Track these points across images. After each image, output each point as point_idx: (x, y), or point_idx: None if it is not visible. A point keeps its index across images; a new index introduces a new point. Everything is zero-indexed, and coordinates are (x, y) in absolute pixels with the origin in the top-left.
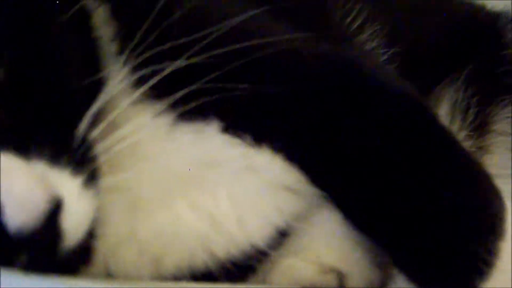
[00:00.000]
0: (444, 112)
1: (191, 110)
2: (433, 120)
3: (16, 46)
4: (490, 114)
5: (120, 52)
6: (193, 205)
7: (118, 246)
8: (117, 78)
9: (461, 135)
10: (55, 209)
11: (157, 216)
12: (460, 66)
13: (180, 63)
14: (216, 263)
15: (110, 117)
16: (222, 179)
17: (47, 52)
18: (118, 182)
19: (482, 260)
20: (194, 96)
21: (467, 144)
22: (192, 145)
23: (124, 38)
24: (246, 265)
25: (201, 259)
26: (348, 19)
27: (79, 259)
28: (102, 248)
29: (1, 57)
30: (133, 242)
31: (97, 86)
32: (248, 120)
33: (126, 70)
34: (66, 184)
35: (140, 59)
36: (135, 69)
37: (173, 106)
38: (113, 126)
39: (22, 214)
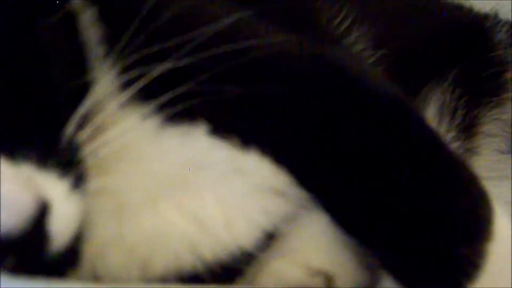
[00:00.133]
0: (431, 113)
1: (178, 113)
2: (420, 122)
3: (1, 49)
4: (478, 115)
5: (108, 54)
6: (181, 207)
7: (106, 248)
8: (105, 81)
9: (448, 136)
10: (42, 212)
11: (144, 218)
12: (448, 68)
13: (167, 65)
14: (204, 265)
15: (98, 120)
16: (210, 181)
17: (34, 55)
18: (105, 185)
19: (470, 262)
20: (181, 98)
21: (454, 146)
22: (179, 148)
23: (111, 40)
24: (234, 267)
25: (188, 262)
26: (336, 21)
27: (67, 262)
28: (89, 251)
29: None
30: (120, 245)
31: (84, 89)
32: (235, 123)
33: (113, 72)
34: (53, 187)
35: (127, 62)
36: (122, 71)
37: (161, 108)
38: (101, 129)
39: (9, 217)
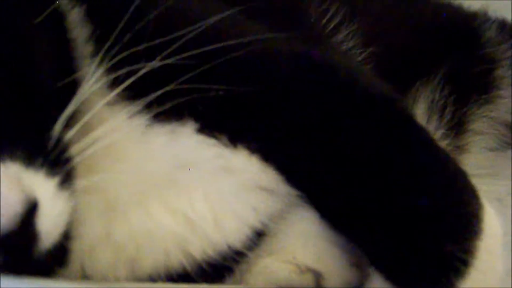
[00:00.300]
0: (421, 111)
1: (166, 111)
2: (410, 119)
3: None
4: (467, 113)
5: (95, 53)
6: (169, 206)
7: (94, 247)
8: (92, 79)
9: (438, 134)
10: (30, 210)
11: (132, 217)
12: (437, 65)
13: (155, 64)
14: (193, 264)
15: (85, 118)
16: (198, 179)
17: (21, 53)
18: (93, 184)
19: (459, 259)
20: (169, 97)
21: (444, 143)
22: (167, 146)
23: (98, 39)
24: (223, 265)
25: (177, 260)
26: (324, 20)
27: (55, 260)
28: (78, 250)
29: None
30: (109, 243)
31: (72, 87)
32: (223, 121)
33: (101, 71)
34: (41, 186)
35: (115, 60)
36: (110, 70)
37: (148, 107)
38: (88, 127)
39: None
